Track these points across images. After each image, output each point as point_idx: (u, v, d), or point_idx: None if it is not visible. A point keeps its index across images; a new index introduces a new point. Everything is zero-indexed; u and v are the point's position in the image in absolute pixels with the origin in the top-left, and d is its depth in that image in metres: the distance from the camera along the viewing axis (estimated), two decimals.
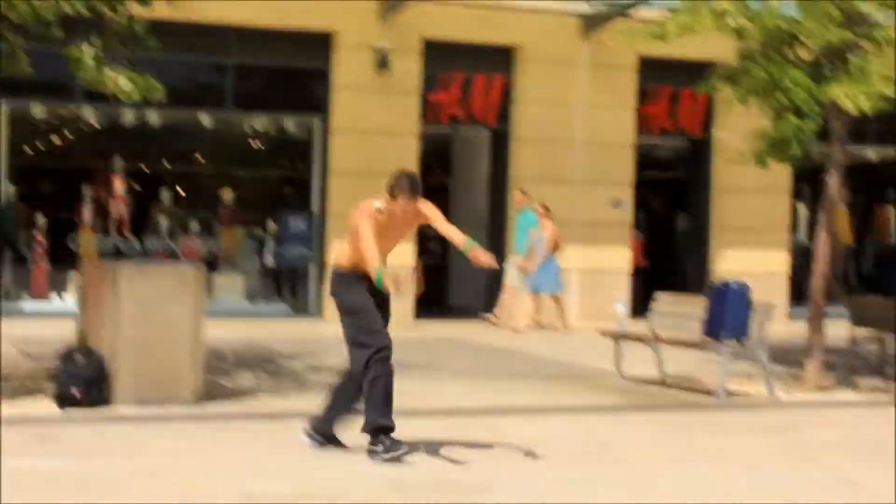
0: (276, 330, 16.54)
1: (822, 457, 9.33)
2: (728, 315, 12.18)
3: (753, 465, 8.77)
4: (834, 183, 12.99)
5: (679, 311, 13.41)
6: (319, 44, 18.18)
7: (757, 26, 12.62)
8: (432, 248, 19.81)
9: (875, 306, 14.68)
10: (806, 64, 12.66)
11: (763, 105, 12.94)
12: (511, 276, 17.76)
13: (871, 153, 21.99)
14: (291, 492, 7.23)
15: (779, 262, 19.65)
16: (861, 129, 20.00)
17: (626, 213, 19.17)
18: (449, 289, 21.12)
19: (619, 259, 19.05)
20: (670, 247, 21.37)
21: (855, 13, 12.30)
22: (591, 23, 18.41)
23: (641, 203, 20.12)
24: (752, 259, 19.04)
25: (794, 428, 10.79)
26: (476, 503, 7.23)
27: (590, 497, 7.40)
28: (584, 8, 18.36)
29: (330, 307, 17.56)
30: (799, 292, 18.13)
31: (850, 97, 11.80)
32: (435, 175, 20.67)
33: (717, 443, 9.92)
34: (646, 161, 19.87)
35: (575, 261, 18.63)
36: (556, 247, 17.69)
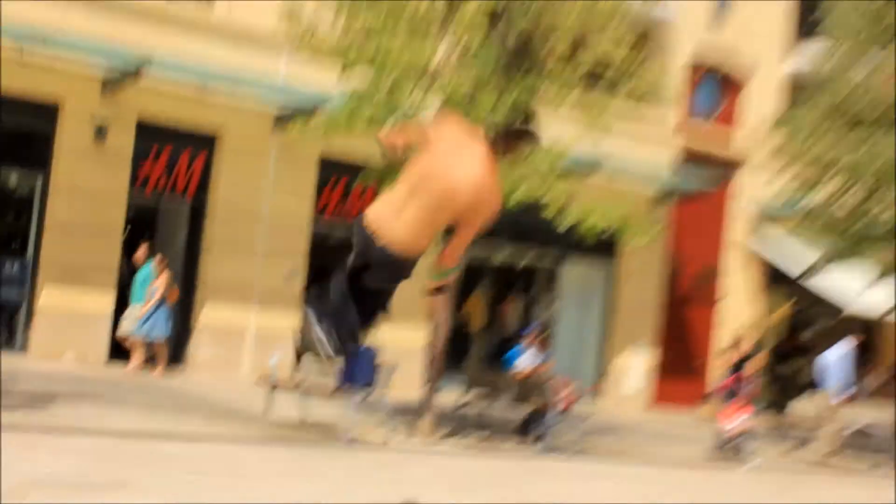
0: None
1: (407, 485, 10.11)
2: (358, 370, 12.92)
3: (347, 489, 9.45)
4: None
5: (324, 366, 14.01)
6: (47, 111, 18.11)
7: None
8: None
9: (482, 375, 15.76)
10: None
11: None
12: (126, 324, 17.82)
13: (504, 253, 23.25)
14: None
15: (419, 337, 20.46)
16: (495, 229, 21.33)
17: (298, 283, 19.75)
18: None
19: (290, 322, 19.52)
20: None
21: (486, 120, 13.16)
22: (281, 120, 19.06)
23: (317, 279, 20.67)
24: (397, 333, 19.75)
25: (395, 465, 11.55)
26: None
27: (195, 496, 7.91)
28: (276, 106, 18.99)
29: (37, 344, 17.51)
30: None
31: None
32: (141, 238, 20.69)
33: (325, 470, 10.57)
34: (322, 242, 20.48)
35: (252, 321, 19.14)
36: (170, 296, 17.90)
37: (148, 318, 17.59)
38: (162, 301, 17.72)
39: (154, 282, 17.75)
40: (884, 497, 14.55)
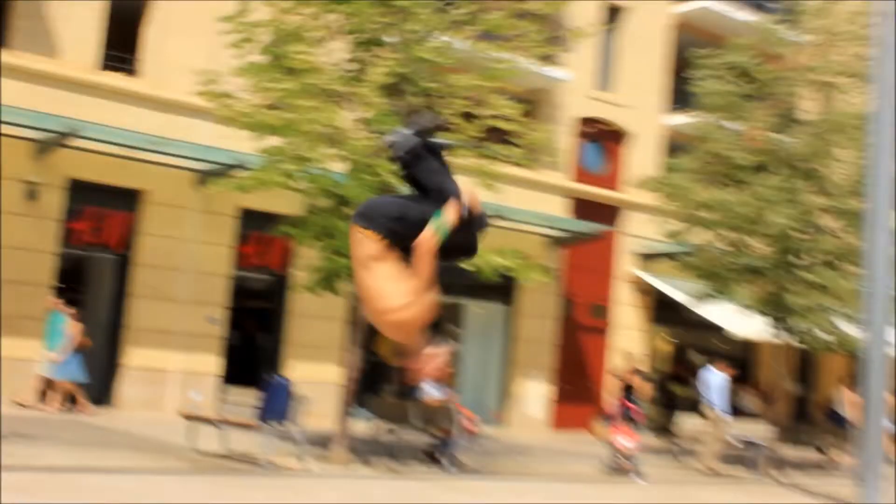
0: None
1: None
2: (273, 403, 12.90)
3: None
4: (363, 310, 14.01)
5: (243, 401, 14.01)
6: None
7: (316, 186, 13.62)
8: None
9: (390, 405, 15.79)
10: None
11: (320, 248, 13.88)
12: (43, 368, 17.57)
13: None
14: None
15: (334, 373, 20.55)
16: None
17: (219, 328, 19.69)
18: None
19: (211, 363, 19.49)
20: (256, 358, 21.91)
21: (387, 182, 13.32)
22: (203, 177, 19.07)
23: (237, 324, 20.60)
24: (315, 369, 19.96)
25: (310, 491, 11.57)
26: None
27: None
28: (196, 165, 19.01)
29: None
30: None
31: None
32: (72, 288, 20.49)
33: (245, 497, 10.56)
34: (242, 290, 20.47)
35: (176, 364, 19.02)
36: (81, 342, 17.69)
37: (63, 364, 17.37)
38: (74, 347, 17.48)
39: (66, 329, 17.52)
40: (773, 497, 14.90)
